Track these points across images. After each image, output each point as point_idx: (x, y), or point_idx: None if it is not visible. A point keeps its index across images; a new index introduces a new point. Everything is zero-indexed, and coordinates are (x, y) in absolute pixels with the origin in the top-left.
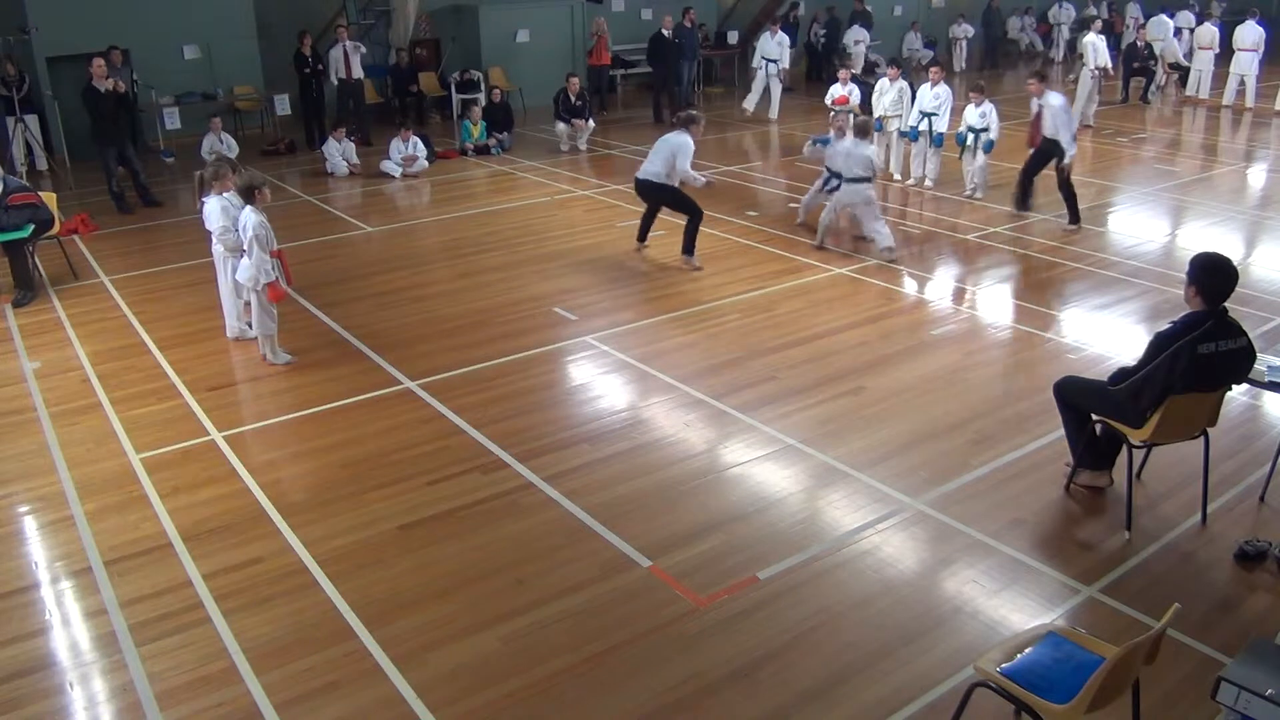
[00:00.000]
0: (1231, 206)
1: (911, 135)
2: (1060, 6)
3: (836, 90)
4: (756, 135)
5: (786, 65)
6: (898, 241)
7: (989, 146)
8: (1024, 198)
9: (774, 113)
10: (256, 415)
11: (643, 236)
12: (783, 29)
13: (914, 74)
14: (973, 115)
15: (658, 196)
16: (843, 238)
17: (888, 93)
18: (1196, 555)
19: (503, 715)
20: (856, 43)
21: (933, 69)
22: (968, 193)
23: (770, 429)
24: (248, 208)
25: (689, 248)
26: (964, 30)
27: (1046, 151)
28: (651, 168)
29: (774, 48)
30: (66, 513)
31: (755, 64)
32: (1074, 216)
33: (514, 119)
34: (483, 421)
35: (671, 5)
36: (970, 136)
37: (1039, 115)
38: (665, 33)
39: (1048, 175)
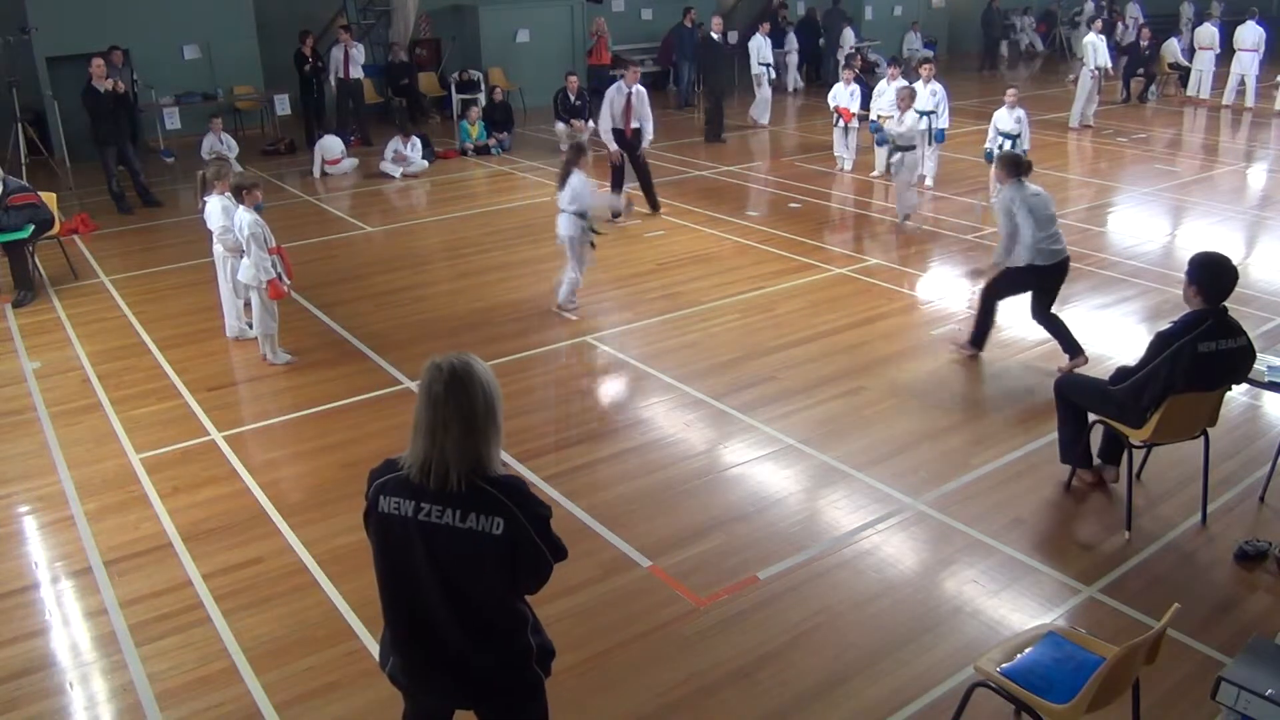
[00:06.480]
0: (1231, 206)
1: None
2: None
3: (842, 98)
4: (755, 136)
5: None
6: (897, 240)
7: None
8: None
9: (765, 117)
10: (256, 415)
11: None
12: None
13: (912, 73)
14: (1006, 120)
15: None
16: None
17: (885, 94)
18: (1196, 555)
19: None
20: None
21: (924, 65)
22: (993, 200)
23: (770, 429)
24: (240, 207)
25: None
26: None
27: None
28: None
29: (768, 51)
30: (66, 513)
31: (755, 70)
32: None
33: (514, 119)
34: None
35: (671, 5)
36: (1003, 144)
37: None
38: (715, 35)
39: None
